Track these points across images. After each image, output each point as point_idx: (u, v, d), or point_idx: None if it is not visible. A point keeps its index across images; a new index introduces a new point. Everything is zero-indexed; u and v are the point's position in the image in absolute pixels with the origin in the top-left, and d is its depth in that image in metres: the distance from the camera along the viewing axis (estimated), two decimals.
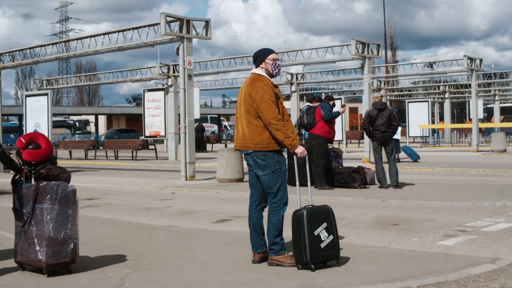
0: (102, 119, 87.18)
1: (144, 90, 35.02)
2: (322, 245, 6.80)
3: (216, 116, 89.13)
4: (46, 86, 36.94)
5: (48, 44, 23.46)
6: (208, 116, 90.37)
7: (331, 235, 6.88)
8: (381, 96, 16.16)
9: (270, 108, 6.94)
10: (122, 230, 10.00)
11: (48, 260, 6.66)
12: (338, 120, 31.43)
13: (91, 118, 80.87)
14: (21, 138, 7.07)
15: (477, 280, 6.35)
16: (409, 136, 39.32)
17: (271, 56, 7.17)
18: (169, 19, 18.57)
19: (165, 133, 33.39)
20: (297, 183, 7.28)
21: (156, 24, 19.30)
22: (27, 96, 23.88)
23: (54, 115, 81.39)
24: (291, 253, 7.05)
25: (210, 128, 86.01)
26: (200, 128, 42.01)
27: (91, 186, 18.11)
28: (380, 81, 40.78)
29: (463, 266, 6.87)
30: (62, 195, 6.75)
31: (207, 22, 19.35)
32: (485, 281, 6.28)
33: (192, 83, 18.98)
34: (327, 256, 6.86)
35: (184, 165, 18.70)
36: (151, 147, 34.93)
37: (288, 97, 37.03)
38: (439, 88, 49.09)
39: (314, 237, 6.78)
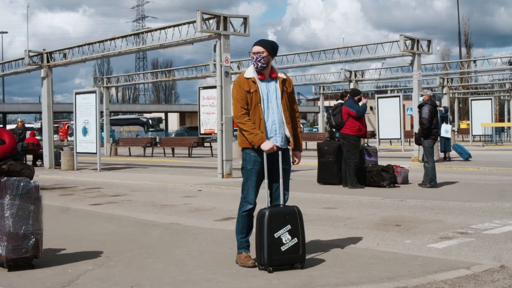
0: (175, 117, 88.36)
1: (199, 87, 35.05)
2: (283, 248, 6.55)
3: None
4: (115, 83, 37.87)
5: (95, 43, 23.80)
6: None
7: (295, 238, 6.60)
8: (429, 95, 15.57)
9: (234, 106, 6.91)
10: (122, 227, 10.02)
11: (8, 255, 6.69)
12: (396, 118, 31.07)
13: (163, 116, 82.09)
14: None
15: (440, 286, 6.01)
16: (471, 135, 38.21)
17: (252, 50, 6.98)
18: (205, 16, 18.52)
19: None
20: (266, 180, 6.97)
21: (195, 22, 19.28)
22: (76, 93, 24.25)
23: (130, 112, 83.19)
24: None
25: None
26: None
27: (126, 182, 18.29)
28: (443, 79, 39.74)
29: (433, 271, 6.53)
30: (24, 191, 6.75)
31: (245, 19, 19.23)
32: None
33: (230, 80, 18.87)
34: (288, 260, 6.60)
35: (221, 163, 18.65)
36: (206, 144, 35.10)
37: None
38: (505, 86, 47.55)
39: (274, 239, 6.53)
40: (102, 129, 49.89)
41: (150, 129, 76.99)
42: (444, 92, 39.21)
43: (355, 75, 35.42)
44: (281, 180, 7.00)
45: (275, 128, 6.90)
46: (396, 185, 15.06)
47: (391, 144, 39.36)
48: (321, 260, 7.11)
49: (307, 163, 19.77)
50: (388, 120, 31.35)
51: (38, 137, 32.28)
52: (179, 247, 8.16)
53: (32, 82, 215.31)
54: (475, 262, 7.00)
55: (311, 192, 14.22)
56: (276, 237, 6.54)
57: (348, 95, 15.71)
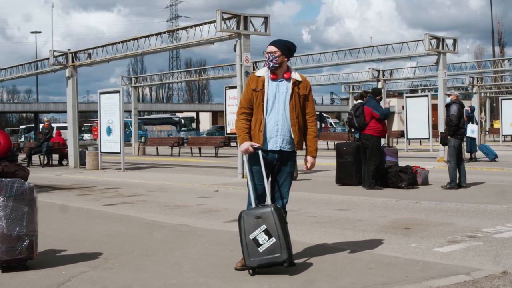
0: (207, 116, 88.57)
1: (225, 87, 35.02)
2: (261, 249, 6.42)
3: (318, 113, 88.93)
4: (145, 82, 37.99)
5: (118, 43, 23.88)
6: None
7: (273, 238, 6.42)
8: (456, 95, 15.26)
9: (239, 103, 6.98)
10: (129, 227, 10.00)
11: (1, 256, 6.68)
12: (425, 118, 30.67)
13: (195, 115, 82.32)
14: None
15: None
16: (502, 135, 37.60)
17: (267, 49, 6.94)
18: (225, 16, 18.45)
19: None
20: (250, 182, 6.87)
21: (215, 21, 19.21)
22: (101, 93, 24.37)
23: (163, 112, 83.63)
24: None
25: None
26: None
27: (146, 182, 18.30)
28: (473, 78, 39.18)
29: (431, 276, 6.35)
30: (18, 192, 6.73)
31: (266, 18, 19.12)
32: None
33: None
34: (268, 260, 6.44)
35: (241, 163, 18.58)
36: (233, 144, 35.09)
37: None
38: None
39: (250, 240, 6.45)
40: (129, 128, 50.40)
41: (183, 129, 77.22)
42: (474, 91, 38.64)
43: (383, 74, 35.07)
44: (265, 179, 6.85)
45: (276, 129, 6.79)
46: (415, 186, 14.80)
47: (421, 144, 38.89)
48: (319, 264, 6.98)
49: (332, 163, 19.57)
50: (417, 120, 30.99)
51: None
52: (180, 249, 8.10)
53: (63, 82, 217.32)
54: (477, 267, 6.79)
55: (327, 193, 14.07)
56: (251, 238, 6.46)
57: (369, 95, 15.50)
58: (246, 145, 6.71)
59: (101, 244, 8.44)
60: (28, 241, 6.77)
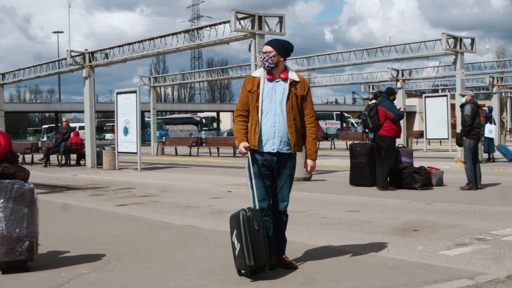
0: (228, 116, 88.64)
1: None
2: (236, 253, 6.44)
3: (338, 112, 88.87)
4: (158, 82, 38.05)
5: (134, 43, 23.94)
6: (334, 113, 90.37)
7: (239, 244, 6.34)
8: (471, 95, 15.08)
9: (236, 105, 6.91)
10: (137, 228, 9.97)
11: (1, 258, 6.65)
12: (444, 118, 30.44)
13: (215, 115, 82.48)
14: None
15: None
16: None
17: (262, 49, 6.85)
18: (239, 15, 18.45)
19: None
20: (249, 182, 6.80)
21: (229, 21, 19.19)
22: (118, 93, 24.45)
23: (184, 111, 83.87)
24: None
25: (335, 125, 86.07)
26: None
27: (160, 183, 18.30)
28: (493, 78, 38.78)
29: (434, 280, 6.24)
30: (17, 193, 6.70)
31: (281, 18, 19.07)
32: None
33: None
34: (238, 266, 6.44)
35: None
36: None
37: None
38: None
39: (232, 243, 6.50)
40: (148, 128, 50.46)
41: (204, 128, 77.41)
42: (494, 91, 38.26)
43: (402, 74, 34.84)
44: (248, 181, 6.79)
45: (274, 131, 6.64)
46: (429, 187, 14.64)
47: (441, 144, 38.57)
48: (321, 267, 6.88)
49: (349, 163, 19.42)
50: (436, 120, 30.76)
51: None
52: (185, 250, 8.05)
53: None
54: (481, 271, 6.65)
55: (340, 194, 13.96)
56: (232, 241, 6.49)
57: (382, 94, 15.36)
58: (240, 147, 6.65)
59: (106, 245, 8.41)
60: (28, 242, 6.74)
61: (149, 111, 42.76)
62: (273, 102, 6.64)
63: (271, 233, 6.79)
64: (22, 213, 6.72)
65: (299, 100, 6.70)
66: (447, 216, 10.66)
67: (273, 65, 6.64)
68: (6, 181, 6.72)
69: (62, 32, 76.60)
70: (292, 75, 6.75)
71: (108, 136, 69.63)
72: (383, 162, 14.63)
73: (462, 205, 11.77)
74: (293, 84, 6.69)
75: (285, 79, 6.69)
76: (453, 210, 11.39)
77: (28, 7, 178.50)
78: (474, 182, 14.23)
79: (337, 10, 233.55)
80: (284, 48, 6.72)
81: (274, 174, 6.80)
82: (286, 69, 6.77)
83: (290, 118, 6.64)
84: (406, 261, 7.25)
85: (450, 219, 10.34)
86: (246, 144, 6.64)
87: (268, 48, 6.69)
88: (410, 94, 72.25)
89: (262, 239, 6.29)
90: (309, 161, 6.88)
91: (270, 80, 6.69)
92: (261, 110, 6.65)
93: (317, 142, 6.99)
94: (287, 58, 6.87)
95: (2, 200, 6.64)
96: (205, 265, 7.17)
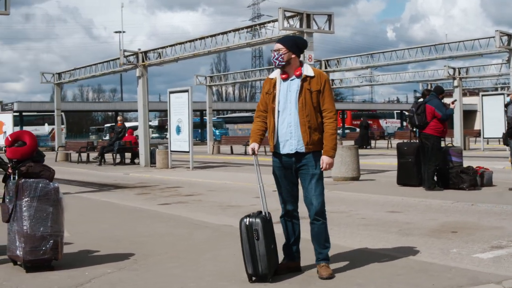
0: None
1: None
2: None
3: (399, 111, 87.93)
4: (215, 81, 38.13)
5: (185, 42, 24.09)
6: (395, 111, 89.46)
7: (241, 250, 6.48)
8: None
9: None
10: (173, 228, 9.98)
11: (25, 256, 6.72)
12: (501, 117, 29.64)
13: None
14: (8, 137, 7.17)
15: None
16: None
17: (273, 48, 6.72)
18: (287, 14, 18.31)
19: None
20: (260, 184, 6.72)
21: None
22: (170, 92, 24.62)
23: (244, 110, 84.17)
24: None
25: (395, 123, 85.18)
26: (364, 124, 41.69)
27: (208, 182, 18.33)
28: None
29: (459, 285, 6.01)
30: (42, 192, 6.76)
31: (329, 16, 18.86)
32: None
33: None
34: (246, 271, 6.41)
35: None
36: None
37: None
38: None
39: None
40: (204, 127, 50.68)
41: None
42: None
43: (459, 72, 34.12)
44: (260, 184, 6.77)
45: (290, 131, 6.45)
46: (477, 187, 14.25)
47: (499, 143, 37.58)
48: (348, 270, 6.71)
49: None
50: (493, 119, 30.06)
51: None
52: (213, 250, 8.00)
53: (151, 80, 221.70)
54: (511, 275, 6.39)
55: (385, 194, 13.71)
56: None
57: (431, 92, 15.03)
58: (250, 146, 6.63)
59: (137, 245, 8.42)
60: (52, 241, 6.79)
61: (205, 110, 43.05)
62: (289, 101, 6.44)
63: (295, 236, 6.87)
64: (46, 212, 6.77)
65: (313, 95, 6.40)
66: (489, 218, 10.31)
67: (284, 63, 6.43)
68: (31, 180, 6.78)
69: (124, 32, 77.56)
70: (307, 70, 6.47)
71: (165, 135, 70.41)
72: (429, 161, 14.32)
73: (506, 206, 11.39)
74: (306, 79, 6.42)
75: (299, 76, 6.46)
76: (496, 211, 11.02)
77: (91, 7, 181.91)
78: None
79: (399, 8, 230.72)
80: (294, 44, 6.50)
81: (297, 176, 6.67)
82: (300, 66, 6.54)
83: (303, 115, 6.38)
84: (436, 264, 7.01)
85: (491, 221, 9.99)
86: (256, 146, 6.54)
87: (278, 46, 6.49)
88: (472, 93, 70.78)
89: (263, 248, 6.20)
90: (324, 158, 6.49)
91: (285, 80, 6.50)
92: (278, 111, 6.49)
93: (337, 138, 6.69)
94: (300, 54, 6.61)
95: (26, 199, 6.71)
96: (229, 265, 7.09)
